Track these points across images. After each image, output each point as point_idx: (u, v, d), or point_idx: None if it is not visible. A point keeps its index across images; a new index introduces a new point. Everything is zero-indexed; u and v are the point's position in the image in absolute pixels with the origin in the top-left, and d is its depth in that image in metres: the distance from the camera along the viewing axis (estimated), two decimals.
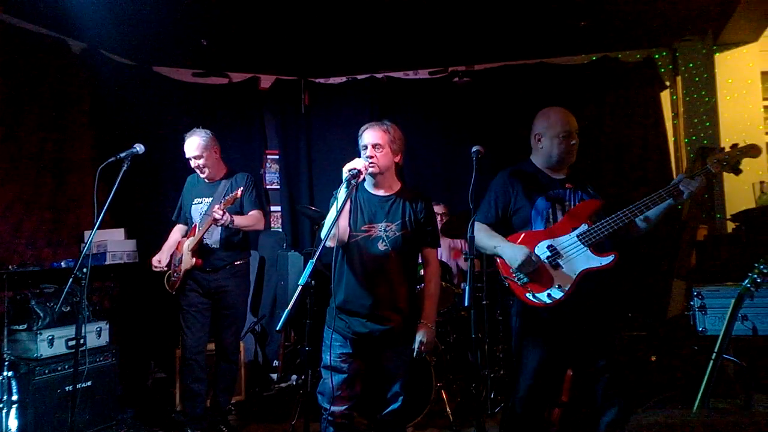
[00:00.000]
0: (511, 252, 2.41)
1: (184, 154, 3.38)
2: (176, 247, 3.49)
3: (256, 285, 4.92)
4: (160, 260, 3.42)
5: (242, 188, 3.24)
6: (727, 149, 2.33)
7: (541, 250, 2.41)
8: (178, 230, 3.58)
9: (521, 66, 5.06)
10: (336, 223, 2.26)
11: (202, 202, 3.43)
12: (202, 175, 3.44)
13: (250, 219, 3.39)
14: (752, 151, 2.31)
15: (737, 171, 2.32)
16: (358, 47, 4.79)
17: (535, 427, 2.52)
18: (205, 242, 3.35)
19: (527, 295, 2.40)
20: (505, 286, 2.48)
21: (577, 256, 2.36)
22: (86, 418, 3.30)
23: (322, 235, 2.27)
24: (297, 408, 3.57)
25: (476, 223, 2.55)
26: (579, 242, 2.36)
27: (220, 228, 3.33)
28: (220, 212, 3.08)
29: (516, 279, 2.43)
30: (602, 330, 2.40)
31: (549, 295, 2.37)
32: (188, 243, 3.35)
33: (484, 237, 2.52)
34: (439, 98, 5.19)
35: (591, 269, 2.33)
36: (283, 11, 4.04)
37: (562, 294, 2.34)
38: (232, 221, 3.19)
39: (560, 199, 2.45)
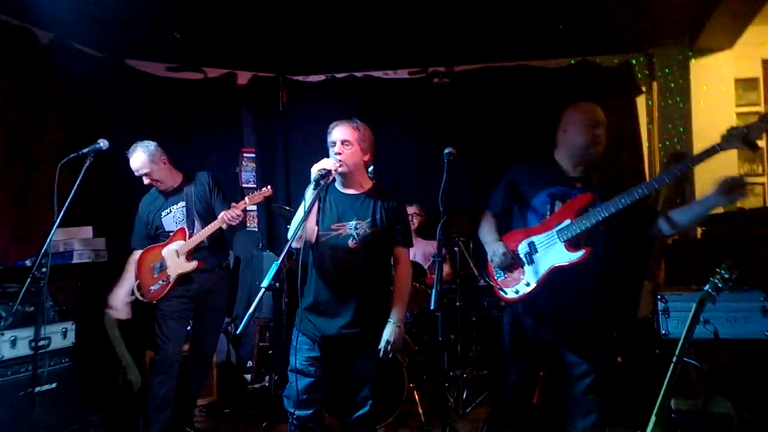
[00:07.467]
0: (490, 250, 2.49)
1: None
2: (140, 264, 3.33)
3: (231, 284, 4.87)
4: (116, 304, 3.30)
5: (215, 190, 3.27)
6: (749, 121, 2.09)
7: (523, 247, 2.43)
8: (135, 258, 3.37)
9: (501, 68, 5.06)
10: (303, 224, 2.23)
11: (171, 211, 3.31)
12: (158, 189, 3.32)
13: None
14: None
15: (755, 147, 2.09)
16: (337, 45, 4.75)
17: (522, 426, 2.55)
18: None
19: (499, 290, 2.47)
20: (480, 285, 2.52)
21: (550, 252, 2.34)
22: (52, 420, 3.19)
23: (289, 236, 2.24)
24: (267, 411, 3.54)
25: (485, 213, 2.63)
26: (556, 237, 2.34)
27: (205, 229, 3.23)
28: (238, 212, 3.05)
29: (496, 275, 2.49)
30: (585, 332, 2.39)
31: (516, 291, 2.40)
32: (178, 247, 3.22)
33: (484, 231, 2.58)
34: (418, 98, 5.19)
35: (560, 266, 2.30)
36: (260, 5, 3.98)
37: (528, 289, 2.36)
38: (244, 223, 3.21)
39: (563, 196, 2.40)
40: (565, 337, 2.41)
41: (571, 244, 2.31)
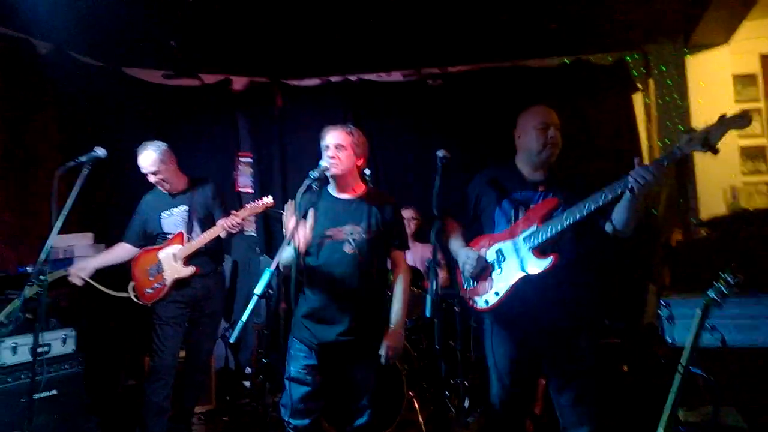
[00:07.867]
0: (461, 258, 2.41)
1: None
2: (135, 266, 3.34)
3: (229, 290, 4.83)
4: (83, 266, 3.25)
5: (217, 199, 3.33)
6: (709, 123, 2.01)
7: (491, 255, 2.35)
8: (121, 248, 3.42)
9: (494, 69, 5.02)
10: (295, 255, 2.24)
11: (173, 214, 3.31)
12: (163, 189, 3.32)
13: None
14: (741, 122, 1.96)
15: (714, 150, 1.98)
16: (331, 49, 4.72)
17: None
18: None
19: (469, 299, 2.40)
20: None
21: (518, 260, 2.26)
22: (50, 427, 3.19)
23: (276, 257, 2.21)
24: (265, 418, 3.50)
25: (452, 222, 2.56)
26: (524, 245, 2.27)
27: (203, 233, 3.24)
28: (238, 220, 3.06)
29: (465, 283, 2.41)
30: (562, 341, 2.29)
31: (486, 301, 2.33)
32: (176, 251, 3.21)
33: (453, 241, 2.51)
34: (412, 100, 5.15)
35: (529, 274, 2.23)
36: (254, 12, 3.97)
37: (498, 299, 2.28)
38: (242, 230, 3.19)
39: (526, 201, 2.35)
40: (542, 348, 2.33)
41: (539, 251, 2.23)
